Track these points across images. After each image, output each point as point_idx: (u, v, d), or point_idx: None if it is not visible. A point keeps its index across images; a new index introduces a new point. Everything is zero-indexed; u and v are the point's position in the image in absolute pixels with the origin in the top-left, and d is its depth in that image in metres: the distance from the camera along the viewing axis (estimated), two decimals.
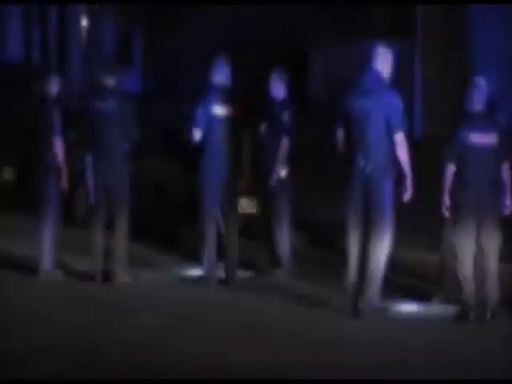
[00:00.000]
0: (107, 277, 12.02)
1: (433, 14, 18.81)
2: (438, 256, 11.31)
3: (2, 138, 18.42)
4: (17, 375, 8.10)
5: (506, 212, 10.66)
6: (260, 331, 10.02)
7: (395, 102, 10.46)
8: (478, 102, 10.69)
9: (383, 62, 10.57)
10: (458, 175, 10.59)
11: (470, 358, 9.23)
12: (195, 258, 12.71)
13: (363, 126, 10.47)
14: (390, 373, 8.60)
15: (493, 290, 10.55)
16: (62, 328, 9.83)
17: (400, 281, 11.91)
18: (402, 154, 10.40)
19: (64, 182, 12.32)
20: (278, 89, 12.85)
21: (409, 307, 11.05)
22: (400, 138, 10.40)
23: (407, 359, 9.10)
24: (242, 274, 12.45)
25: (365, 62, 10.61)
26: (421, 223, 11.69)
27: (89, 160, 12.18)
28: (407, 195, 10.42)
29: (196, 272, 12.49)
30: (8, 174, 18.64)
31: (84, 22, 26.73)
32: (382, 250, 10.45)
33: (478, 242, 10.60)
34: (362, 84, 10.59)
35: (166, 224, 15.29)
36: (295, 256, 12.92)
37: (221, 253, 12.31)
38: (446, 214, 10.66)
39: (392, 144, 10.40)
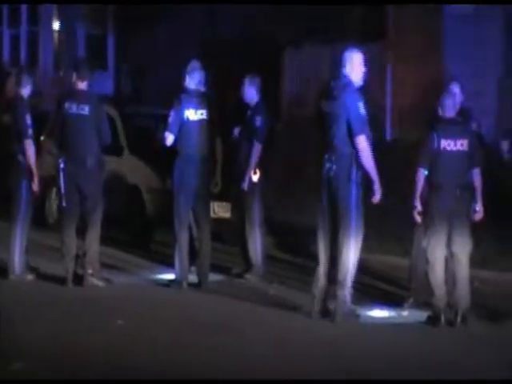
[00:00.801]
0: (79, 280, 12.04)
1: (406, 19, 18.84)
2: (408, 261, 11.32)
3: None
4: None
5: (477, 217, 10.70)
6: (228, 332, 10.04)
7: (357, 107, 10.44)
8: (450, 108, 10.74)
9: (353, 66, 10.58)
10: (429, 180, 10.62)
11: (441, 361, 9.27)
12: (169, 262, 12.74)
13: (329, 129, 10.49)
14: (354, 374, 8.66)
15: (463, 295, 10.55)
16: (30, 330, 9.82)
17: (371, 285, 11.95)
18: (364, 158, 10.38)
19: (36, 184, 12.33)
20: (251, 93, 12.89)
21: (380, 311, 11.07)
22: (360, 142, 10.37)
23: (378, 362, 9.15)
24: (214, 277, 12.45)
25: (336, 65, 10.66)
26: (391, 227, 11.71)
27: (61, 162, 12.22)
28: (376, 198, 10.46)
29: (168, 275, 12.53)
30: None
31: (56, 25, 26.66)
32: (350, 255, 10.44)
33: (449, 246, 10.60)
34: (330, 88, 10.61)
35: (141, 227, 15.32)
36: (267, 260, 12.95)
37: (193, 256, 12.36)
38: (418, 218, 10.66)
39: (356, 147, 10.40)
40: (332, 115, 10.48)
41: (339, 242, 10.44)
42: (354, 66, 10.58)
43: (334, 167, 10.45)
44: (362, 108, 10.46)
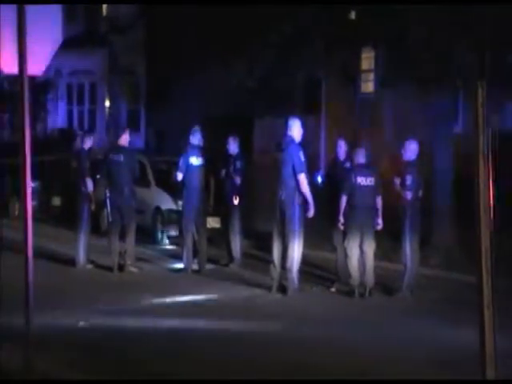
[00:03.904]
0: (121, 268, 12.05)
1: (333, 96, 18.63)
2: (335, 255, 11.24)
3: (53, 177, 18.39)
4: None
5: (379, 227, 10.72)
6: (214, 305, 10.04)
7: (298, 155, 10.38)
8: (362, 156, 10.82)
9: (295, 129, 10.54)
10: (349, 203, 10.68)
11: (352, 317, 9.38)
12: (179, 257, 12.73)
13: (281, 169, 10.43)
14: (303, 320, 8.72)
15: (370, 277, 10.55)
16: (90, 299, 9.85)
17: (310, 271, 11.84)
18: (303, 187, 10.34)
19: (93, 206, 12.35)
20: (233, 146, 12.94)
21: (316, 288, 11.00)
22: (300, 178, 10.33)
23: (314, 315, 9.25)
24: (209, 266, 12.39)
25: (285, 130, 10.62)
26: (324, 232, 11.62)
27: (107, 192, 12.21)
28: (310, 214, 10.39)
29: (179, 265, 12.54)
30: (56, 201, 18.61)
31: (107, 103, 26.69)
32: (295, 250, 10.37)
33: (361, 246, 10.59)
34: (282, 144, 10.59)
35: (162, 233, 15.37)
36: (244, 255, 12.94)
37: (195, 253, 12.36)
38: (341, 227, 10.70)
39: (297, 181, 10.36)
40: (283, 161, 10.46)
41: (287, 241, 10.41)
42: (296, 129, 10.56)
43: (284, 193, 10.42)
44: (301, 156, 10.43)
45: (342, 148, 11.30)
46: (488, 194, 4.61)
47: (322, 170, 10.83)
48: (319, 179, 11.76)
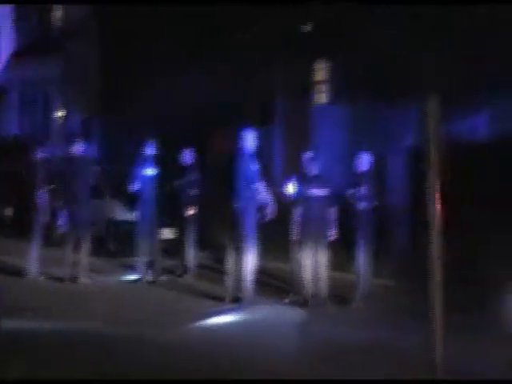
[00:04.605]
0: (74, 279, 11.95)
1: (288, 104, 18.71)
2: (290, 265, 11.27)
3: (5, 187, 18.17)
4: None
5: (331, 238, 10.82)
6: (169, 305, 10.14)
7: (251, 166, 10.46)
8: (315, 168, 10.91)
9: (248, 141, 10.63)
10: (302, 214, 10.67)
11: (304, 326, 9.45)
12: (133, 267, 12.73)
13: (236, 181, 10.48)
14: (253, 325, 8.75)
15: (323, 288, 10.67)
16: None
17: (266, 281, 11.91)
18: (258, 197, 10.43)
19: (46, 217, 12.24)
20: (188, 157, 12.98)
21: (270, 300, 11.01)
22: (254, 188, 10.42)
23: (268, 322, 9.38)
24: (163, 277, 12.41)
25: (239, 141, 10.68)
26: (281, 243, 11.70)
27: (61, 203, 12.11)
28: (267, 217, 10.47)
29: (133, 276, 12.51)
30: (8, 211, 18.39)
31: (60, 111, 26.49)
32: (250, 261, 10.42)
33: (315, 257, 10.68)
34: (236, 155, 10.60)
35: (115, 244, 15.27)
36: (200, 266, 12.97)
37: (149, 263, 12.35)
38: (295, 239, 10.76)
39: (251, 192, 10.43)
40: (236, 172, 10.51)
41: (242, 252, 10.45)
42: (249, 140, 10.66)
43: (238, 204, 10.47)
44: (255, 167, 10.51)
45: (307, 160, 11.33)
46: (437, 205, 4.73)
47: (293, 178, 10.75)
48: (289, 188, 11.44)
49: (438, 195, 4.78)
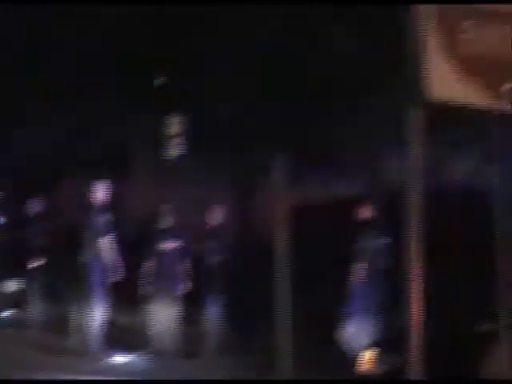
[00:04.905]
0: None
1: (141, 157, 18.63)
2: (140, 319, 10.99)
3: None
4: None
5: (181, 292, 10.62)
6: None
7: (100, 220, 10.27)
8: (168, 221, 10.84)
9: (99, 194, 10.41)
10: (156, 267, 10.60)
11: None
12: None
13: (86, 234, 10.32)
14: None
15: (173, 341, 10.53)
16: None
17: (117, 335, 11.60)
18: (103, 252, 10.24)
19: None
20: (36, 208, 12.62)
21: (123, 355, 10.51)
22: (102, 243, 10.21)
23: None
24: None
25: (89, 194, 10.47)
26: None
27: None
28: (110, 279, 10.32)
29: None
30: None
31: None
32: (98, 312, 10.15)
33: (164, 310, 10.56)
34: (85, 208, 10.40)
35: None
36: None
37: None
38: (145, 291, 10.58)
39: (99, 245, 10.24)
40: (86, 226, 10.27)
41: (90, 305, 10.19)
42: (99, 193, 10.41)
43: (87, 258, 10.20)
44: (104, 220, 10.25)
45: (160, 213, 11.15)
46: None
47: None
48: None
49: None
